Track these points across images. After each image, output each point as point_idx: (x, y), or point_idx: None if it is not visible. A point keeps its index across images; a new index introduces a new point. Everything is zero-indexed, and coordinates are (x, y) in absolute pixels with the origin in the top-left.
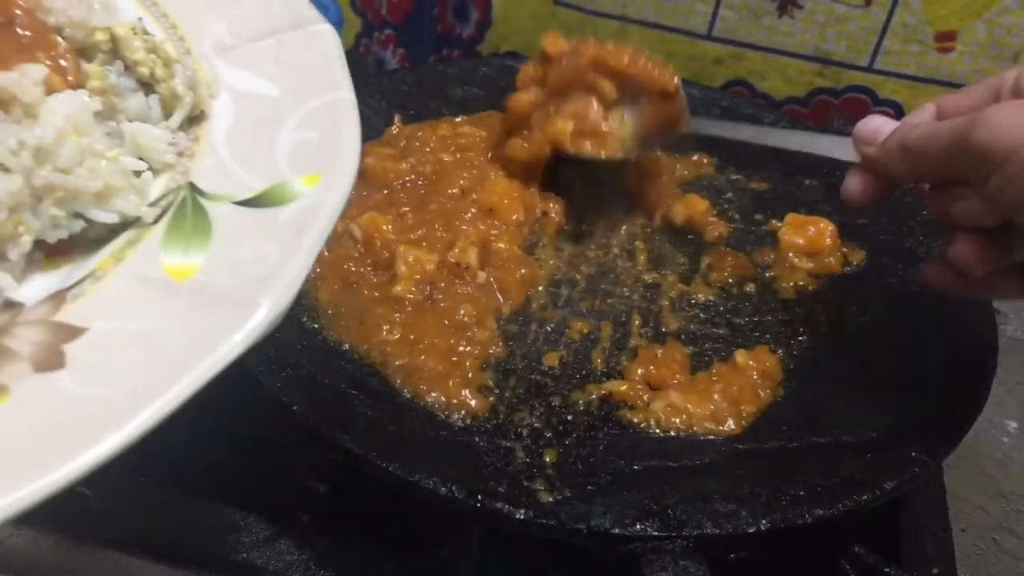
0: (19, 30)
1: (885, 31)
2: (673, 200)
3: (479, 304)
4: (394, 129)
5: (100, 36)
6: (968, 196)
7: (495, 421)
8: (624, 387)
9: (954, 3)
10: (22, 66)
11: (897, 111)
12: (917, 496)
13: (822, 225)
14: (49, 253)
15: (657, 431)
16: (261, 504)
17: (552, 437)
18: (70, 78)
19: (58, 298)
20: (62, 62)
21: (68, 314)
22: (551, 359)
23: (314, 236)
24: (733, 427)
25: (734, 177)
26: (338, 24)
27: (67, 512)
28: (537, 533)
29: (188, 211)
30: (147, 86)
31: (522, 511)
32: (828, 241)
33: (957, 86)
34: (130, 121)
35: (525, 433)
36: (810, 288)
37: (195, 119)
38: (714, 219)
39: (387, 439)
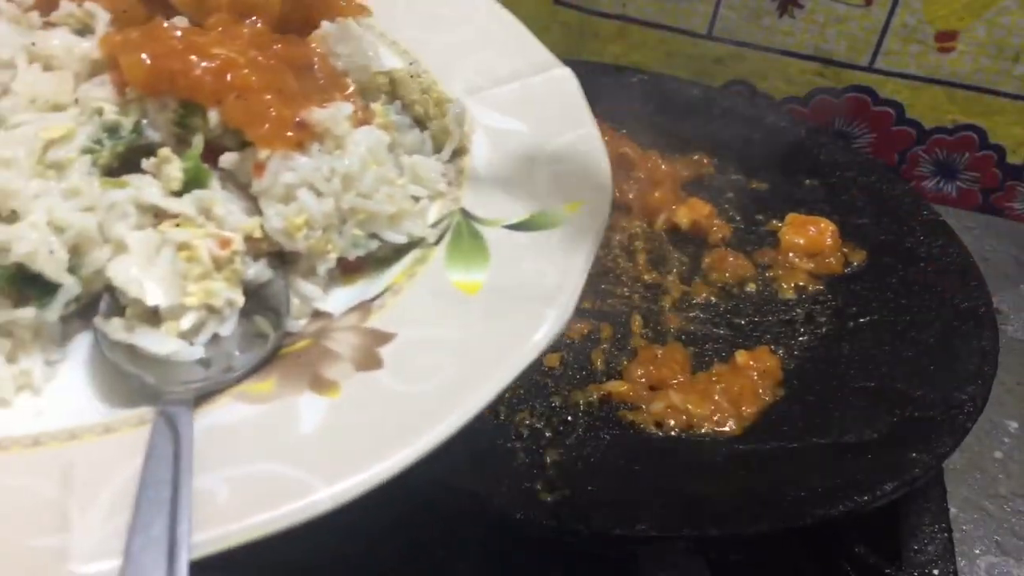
0: (318, 74)
1: (885, 31)
2: (677, 204)
3: None
4: None
5: (380, 79)
6: None
7: (495, 421)
8: (624, 387)
9: (954, 3)
10: (335, 104)
11: (897, 111)
12: (917, 496)
13: (823, 225)
14: (345, 270)
15: (657, 431)
16: None
17: (552, 437)
18: (360, 115)
19: (364, 308)
20: (355, 101)
21: (376, 321)
22: (551, 359)
23: (585, 254)
24: (733, 427)
25: (734, 177)
26: None
27: None
28: (537, 533)
29: (464, 233)
30: (420, 123)
31: (522, 511)
32: (828, 241)
33: (957, 86)
34: (408, 155)
35: (525, 433)
36: (810, 288)
37: (457, 152)
38: (718, 222)
39: None
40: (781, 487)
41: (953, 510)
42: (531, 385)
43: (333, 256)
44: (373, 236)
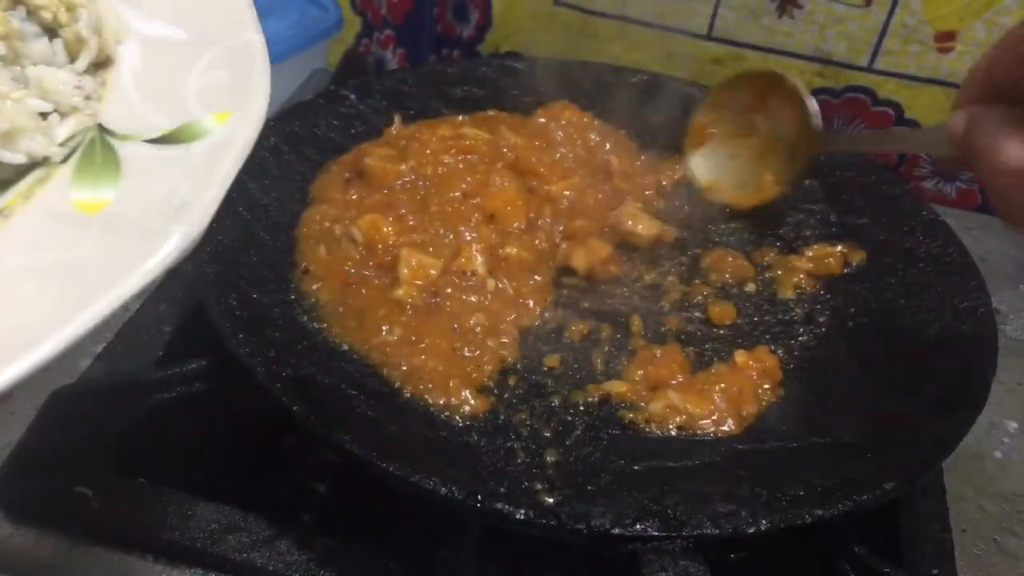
0: None
1: (885, 31)
2: (584, 241)
3: (492, 313)
4: (394, 129)
5: None
6: None
7: (495, 421)
8: (624, 387)
9: (954, 3)
10: None
11: (897, 111)
12: (917, 496)
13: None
14: None
15: (657, 431)
16: (261, 504)
17: (552, 437)
18: None
19: None
20: None
21: None
22: (551, 359)
23: (226, 167)
24: (733, 427)
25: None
26: (338, 24)
27: (67, 512)
28: (537, 533)
29: (97, 150)
30: (51, 31)
31: (522, 511)
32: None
33: (957, 86)
34: (35, 65)
35: (525, 433)
36: (810, 288)
37: (102, 64)
38: (614, 268)
39: (387, 439)
40: (781, 487)
41: (953, 510)
42: (531, 385)
43: None
44: None
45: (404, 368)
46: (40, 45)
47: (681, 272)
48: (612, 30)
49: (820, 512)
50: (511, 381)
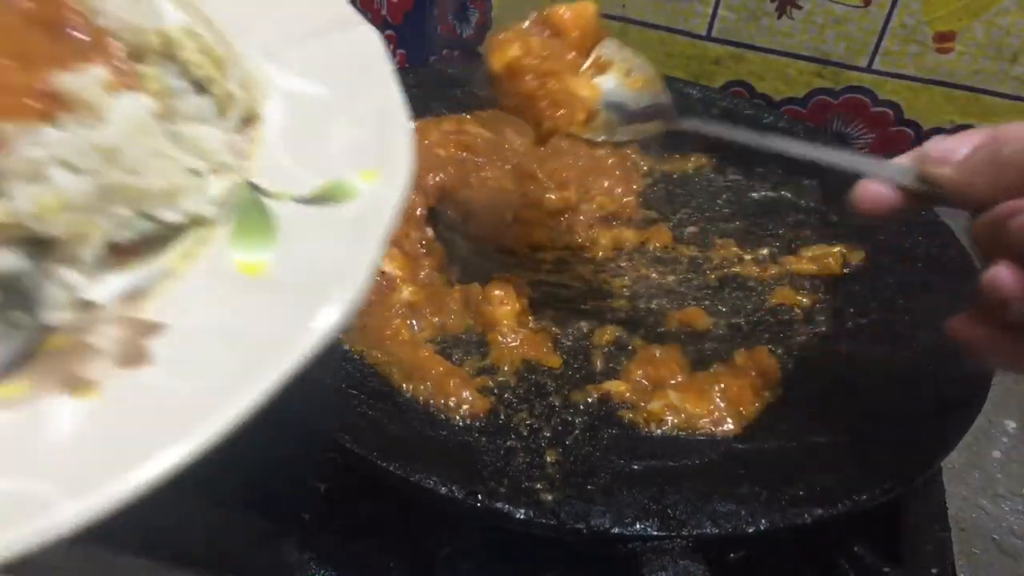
0: (73, 34)
1: (884, 31)
2: None
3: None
4: None
5: (153, 39)
6: None
7: (495, 421)
8: (624, 387)
9: (953, 3)
10: (84, 68)
11: (896, 111)
12: (917, 496)
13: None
14: (118, 254)
15: (657, 431)
16: (261, 504)
17: (552, 437)
18: (127, 80)
19: (135, 296)
20: (119, 64)
21: (147, 311)
22: (551, 359)
23: (380, 230)
24: (733, 427)
25: (734, 177)
26: None
27: None
28: (537, 533)
29: (252, 209)
30: (202, 88)
31: (522, 511)
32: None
33: (957, 86)
34: (187, 123)
35: (525, 433)
36: (810, 288)
37: (249, 121)
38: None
39: (387, 439)
40: (781, 487)
41: (952, 510)
42: (531, 385)
43: (98, 239)
44: (145, 215)
45: (404, 368)
46: (192, 102)
47: (681, 271)
48: (612, 30)
49: (820, 512)
50: (511, 381)
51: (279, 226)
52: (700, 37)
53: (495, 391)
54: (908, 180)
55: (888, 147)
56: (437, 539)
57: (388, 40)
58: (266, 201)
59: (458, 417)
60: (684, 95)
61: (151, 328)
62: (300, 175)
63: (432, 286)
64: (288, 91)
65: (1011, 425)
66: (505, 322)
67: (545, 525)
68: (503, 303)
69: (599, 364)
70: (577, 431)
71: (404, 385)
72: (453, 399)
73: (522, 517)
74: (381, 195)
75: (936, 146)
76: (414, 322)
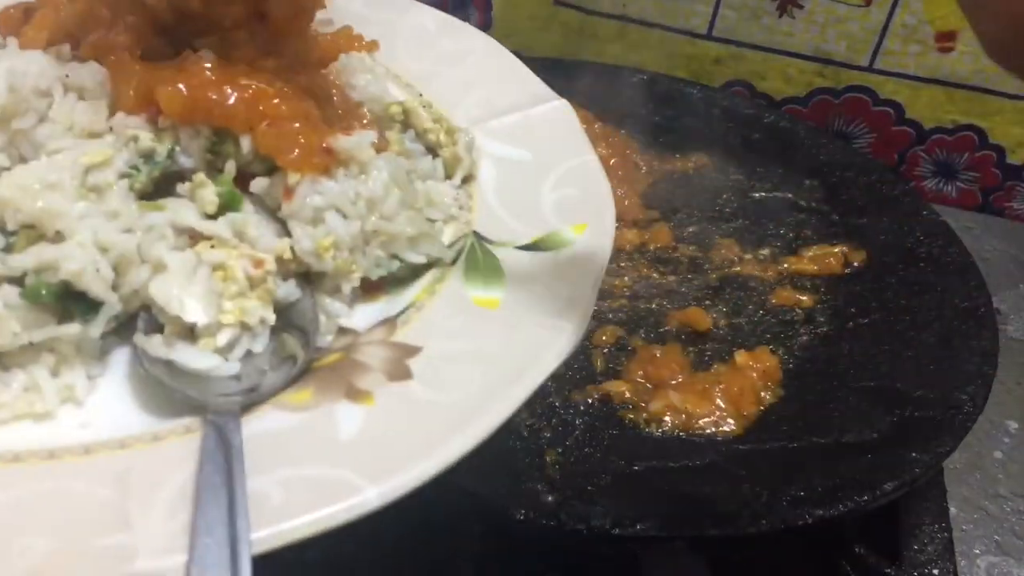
0: (337, 104)
1: (885, 31)
2: None
3: None
4: None
5: (395, 109)
6: None
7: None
8: (624, 387)
9: (954, 3)
10: (359, 131)
11: (897, 111)
12: (917, 496)
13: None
14: (366, 289)
15: (657, 431)
16: None
17: (552, 437)
18: (377, 143)
19: (390, 324)
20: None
21: (402, 336)
22: None
23: (595, 271)
24: (733, 427)
25: (734, 177)
26: None
27: None
28: (537, 533)
29: (478, 254)
30: (432, 151)
31: (522, 511)
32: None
33: (957, 86)
34: (422, 180)
35: (525, 433)
36: (810, 288)
37: (466, 179)
38: None
39: None
40: (781, 487)
41: (953, 510)
42: None
43: (357, 276)
44: (394, 257)
45: None
46: (426, 163)
47: (681, 272)
48: (612, 30)
49: (820, 512)
50: None
51: (505, 269)
52: (701, 36)
53: None
54: None
55: (889, 147)
56: (437, 539)
57: None
58: (491, 248)
59: None
60: (685, 95)
61: (409, 350)
62: (515, 226)
63: None
64: (496, 156)
65: (1012, 426)
66: None
67: (545, 525)
68: None
69: (599, 364)
70: (577, 431)
71: None
72: None
73: (522, 517)
74: (592, 244)
75: None
76: None
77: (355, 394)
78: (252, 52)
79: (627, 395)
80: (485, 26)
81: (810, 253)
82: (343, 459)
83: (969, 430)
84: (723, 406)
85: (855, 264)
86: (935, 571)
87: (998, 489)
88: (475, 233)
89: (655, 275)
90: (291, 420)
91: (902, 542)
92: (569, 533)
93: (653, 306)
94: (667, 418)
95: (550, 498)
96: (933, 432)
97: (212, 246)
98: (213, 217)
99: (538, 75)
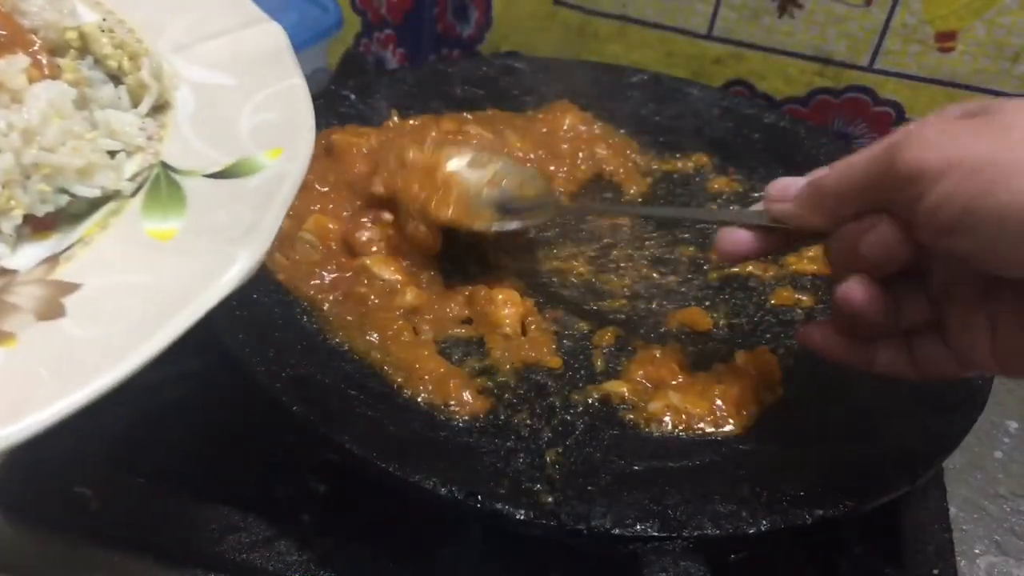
0: None
1: (885, 31)
2: None
3: None
4: (390, 123)
5: (70, 35)
6: (879, 224)
7: (495, 421)
8: (624, 387)
9: (954, 3)
10: (6, 57)
11: (897, 111)
12: (917, 496)
13: None
14: (36, 227)
15: (657, 431)
16: (261, 504)
17: (552, 437)
18: (46, 71)
19: (52, 261)
20: (39, 57)
21: (63, 274)
22: (551, 359)
23: (282, 197)
24: (733, 427)
25: (734, 177)
26: (338, 24)
27: (67, 512)
28: (537, 533)
29: (162, 184)
30: (115, 78)
31: (522, 511)
32: None
33: (957, 86)
34: (102, 109)
35: (525, 433)
36: (810, 288)
37: (160, 108)
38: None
39: (387, 439)
40: (781, 487)
41: (953, 510)
42: (531, 385)
43: (18, 212)
44: (62, 191)
45: (404, 368)
46: (106, 91)
47: (681, 271)
48: (612, 30)
49: (820, 512)
50: (511, 381)
51: (188, 198)
52: (701, 36)
53: (495, 391)
54: (761, 221)
55: None
56: (437, 539)
57: (388, 40)
58: (176, 177)
59: (458, 417)
60: (684, 95)
61: (66, 288)
62: (210, 154)
63: (436, 288)
64: (198, 82)
65: (1012, 425)
66: (507, 323)
67: (545, 526)
68: (507, 305)
69: (599, 364)
70: (577, 431)
71: (404, 385)
72: (453, 399)
73: (522, 518)
74: (283, 169)
75: (774, 185)
76: (415, 324)
77: None
78: None
79: (627, 395)
80: (485, 25)
81: (810, 253)
82: None
83: (968, 430)
84: (723, 406)
85: None
86: (935, 571)
87: (998, 489)
88: (163, 163)
89: (655, 275)
90: None
91: (902, 542)
92: (569, 533)
93: (653, 306)
94: (667, 418)
95: (550, 498)
96: (932, 432)
97: None
98: None
99: (538, 75)
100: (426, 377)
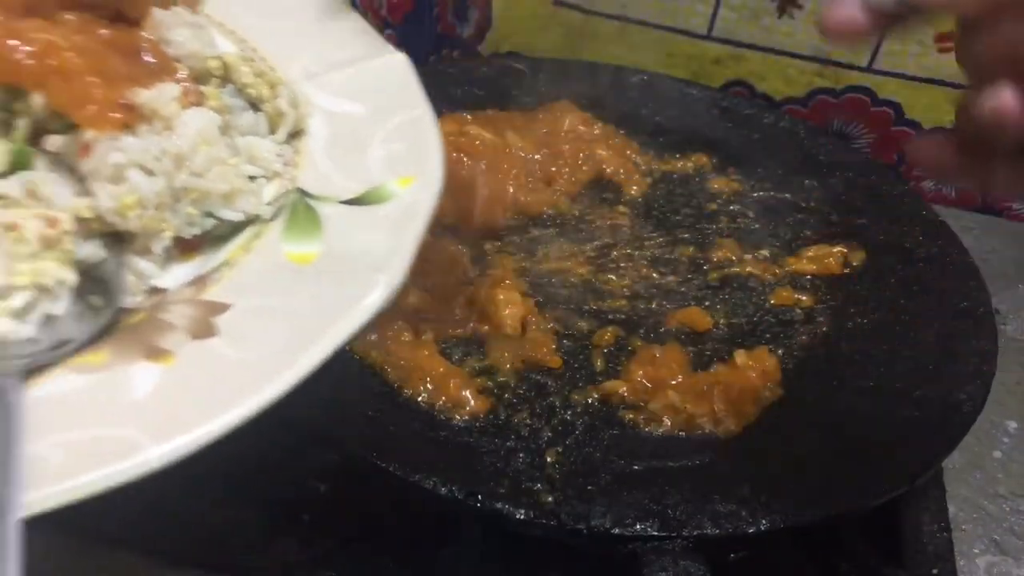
0: (147, 59)
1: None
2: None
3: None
4: None
5: (213, 63)
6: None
7: (495, 421)
8: (624, 387)
9: None
10: (157, 86)
11: (897, 111)
12: (917, 496)
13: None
14: (182, 248)
15: (657, 431)
16: (261, 504)
17: (552, 437)
18: (193, 99)
19: (200, 282)
20: (186, 85)
21: (211, 294)
22: (552, 360)
23: (417, 224)
24: (733, 427)
25: (734, 178)
26: None
27: (67, 512)
28: (537, 533)
29: (300, 209)
30: (254, 106)
31: (522, 511)
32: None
33: (957, 86)
34: (243, 136)
35: (525, 433)
36: (810, 288)
37: (295, 135)
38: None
39: (387, 439)
40: (781, 487)
41: (953, 510)
42: (531, 385)
43: (168, 234)
44: (208, 214)
45: (404, 368)
46: (247, 118)
47: (681, 271)
48: (612, 30)
49: (820, 512)
50: (511, 381)
51: (324, 224)
52: (700, 36)
53: (495, 391)
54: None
55: (889, 147)
56: (437, 539)
57: (388, 40)
58: (312, 203)
59: (458, 417)
60: (684, 95)
61: (217, 308)
62: (343, 182)
63: (437, 289)
64: (329, 110)
65: (1012, 425)
66: (507, 323)
67: (545, 525)
68: (508, 305)
69: (599, 364)
70: (577, 431)
71: (404, 385)
72: (453, 399)
73: (522, 517)
74: (416, 197)
75: None
76: (416, 324)
77: (154, 353)
78: (51, 5)
79: (627, 395)
80: (485, 26)
81: (810, 253)
82: (131, 419)
83: (968, 430)
84: (723, 406)
85: (854, 264)
86: (935, 571)
87: (997, 489)
88: (299, 189)
89: (655, 275)
90: (81, 382)
91: (902, 542)
92: (569, 533)
93: (653, 306)
94: (667, 418)
95: (550, 498)
96: (932, 432)
97: (3, 207)
98: (4, 176)
99: (538, 75)
100: (426, 377)
